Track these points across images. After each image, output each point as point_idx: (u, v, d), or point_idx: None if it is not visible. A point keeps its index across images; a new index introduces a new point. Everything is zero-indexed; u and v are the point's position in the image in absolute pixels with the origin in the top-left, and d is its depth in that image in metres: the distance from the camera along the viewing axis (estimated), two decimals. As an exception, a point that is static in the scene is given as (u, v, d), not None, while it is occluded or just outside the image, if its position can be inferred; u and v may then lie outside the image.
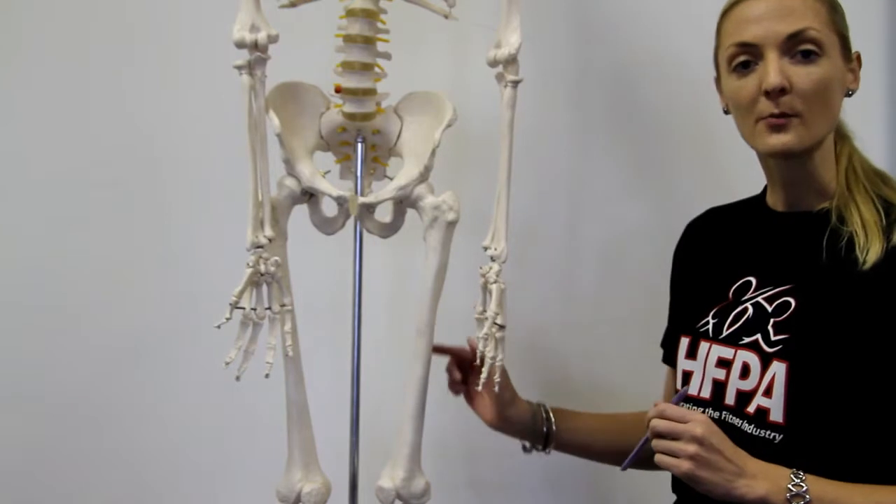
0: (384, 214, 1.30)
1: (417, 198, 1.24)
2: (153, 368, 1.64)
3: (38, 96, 1.64)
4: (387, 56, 1.26)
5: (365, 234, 1.31)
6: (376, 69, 1.25)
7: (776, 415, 0.97)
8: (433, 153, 1.23)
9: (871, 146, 1.54)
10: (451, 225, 1.23)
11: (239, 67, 1.16)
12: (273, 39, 1.16)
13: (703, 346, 1.07)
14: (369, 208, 1.26)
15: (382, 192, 1.25)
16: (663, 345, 1.29)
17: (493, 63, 1.21)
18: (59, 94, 1.64)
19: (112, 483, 1.64)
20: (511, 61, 1.19)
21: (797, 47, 0.98)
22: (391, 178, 1.29)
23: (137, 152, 1.63)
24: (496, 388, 1.21)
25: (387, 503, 1.25)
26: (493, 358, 1.21)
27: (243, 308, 1.17)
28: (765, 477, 0.93)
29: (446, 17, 1.28)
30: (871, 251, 0.94)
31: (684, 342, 1.12)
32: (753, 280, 1.05)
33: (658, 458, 0.98)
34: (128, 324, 1.63)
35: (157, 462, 1.64)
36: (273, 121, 1.19)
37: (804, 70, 0.97)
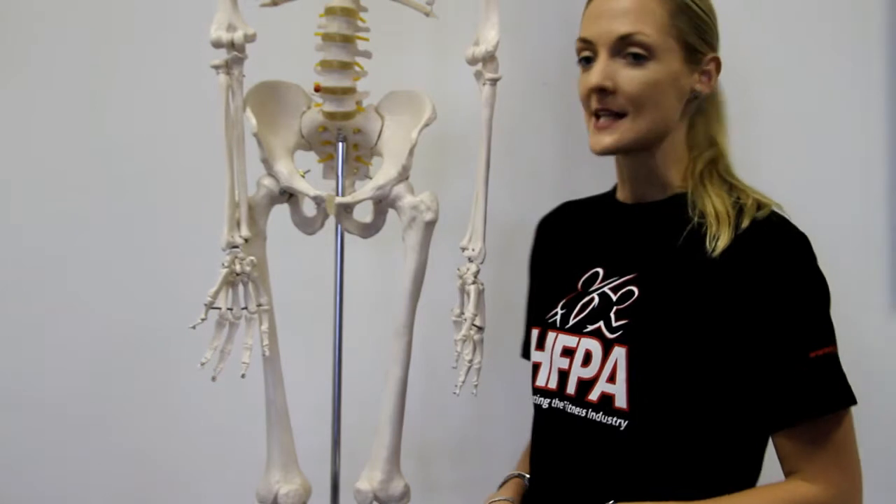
0: (365, 214, 1.29)
1: (396, 198, 1.23)
2: (143, 367, 1.65)
3: (18, 99, 1.66)
4: (367, 55, 1.25)
5: (347, 234, 1.31)
6: (356, 68, 1.24)
7: (620, 401, 0.98)
8: (411, 153, 1.21)
9: (872, 146, 1.53)
10: (430, 225, 1.22)
11: (216, 67, 1.16)
12: (250, 39, 1.16)
13: (551, 336, 1.08)
14: (347, 208, 1.26)
15: (360, 192, 1.24)
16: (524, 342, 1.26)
17: (472, 61, 1.20)
18: (38, 98, 1.66)
19: (94, 484, 1.66)
20: (489, 59, 1.18)
21: (627, 49, 1.00)
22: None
23: (118, 154, 1.64)
24: (475, 393, 1.20)
25: (365, 505, 1.24)
26: (471, 361, 1.19)
27: (219, 308, 1.17)
28: None
29: (427, 14, 1.27)
30: (720, 239, 0.95)
31: (534, 334, 1.12)
32: (601, 271, 1.07)
33: None
34: (114, 323, 1.65)
35: (137, 462, 1.65)
36: (250, 120, 1.19)
37: (631, 73, 1.00)
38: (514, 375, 1.59)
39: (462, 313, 1.21)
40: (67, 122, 1.65)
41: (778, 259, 0.95)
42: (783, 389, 0.93)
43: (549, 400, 1.05)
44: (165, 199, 1.64)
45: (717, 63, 1.05)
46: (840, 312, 1.59)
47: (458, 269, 1.21)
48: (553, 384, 1.05)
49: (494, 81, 1.19)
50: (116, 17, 1.64)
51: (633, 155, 1.06)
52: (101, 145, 1.65)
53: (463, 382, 1.20)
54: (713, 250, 0.95)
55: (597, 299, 1.03)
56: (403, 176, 1.23)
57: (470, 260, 1.20)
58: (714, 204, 0.99)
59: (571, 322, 1.04)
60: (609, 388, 0.98)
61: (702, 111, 1.08)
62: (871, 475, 1.51)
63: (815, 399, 0.93)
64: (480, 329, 1.20)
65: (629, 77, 0.99)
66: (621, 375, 0.97)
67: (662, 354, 0.96)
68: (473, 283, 1.19)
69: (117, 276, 1.65)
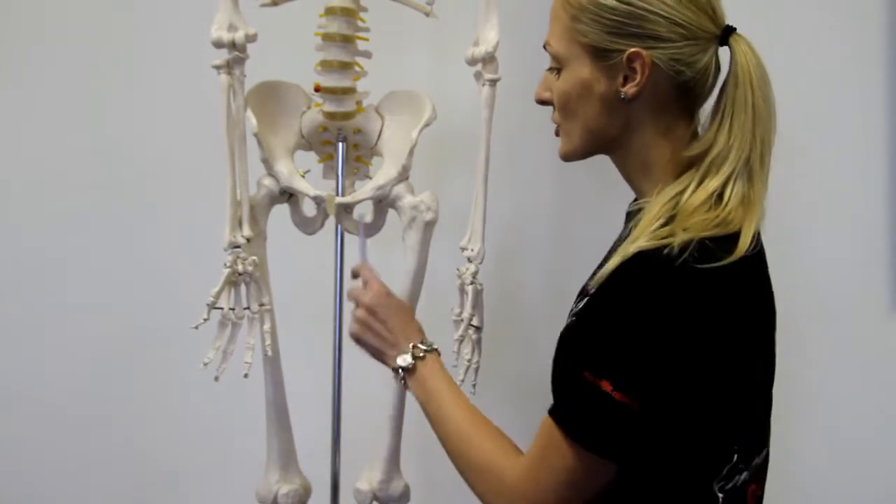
0: (365, 214, 1.29)
1: (396, 198, 1.23)
2: (143, 367, 1.65)
3: (18, 99, 1.66)
4: (367, 55, 1.25)
5: (347, 234, 1.31)
6: (356, 68, 1.24)
7: None
8: (411, 153, 1.22)
9: (872, 146, 1.53)
10: (430, 225, 1.22)
11: (217, 67, 1.16)
12: (251, 39, 1.16)
13: None
14: (347, 208, 1.26)
15: (360, 192, 1.24)
16: None
17: (472, 61, 1.20)
18: (38, 98, 1.66)
19: (94, 484, 1.66)
20: (489, 59, 1.18)
21: (552, 61, 0.96)
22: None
23: (118, 154, 1.65)
24: (473, 392, 1.20)
25: (364, 505, 1.25)
26: (470, 360, 1.19)
27: (221, 308, 1.17)
28: (404, 352, 1.02)
29: (427, 14, 1.27)
30: (607, 266, 0.84)
31: None
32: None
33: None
34: (114, 323, 1.65)
35: (137, 462, 1.65)
36: (251, 120, 1.19)
37: (554, 84, 0.95)
38: (515, 374, 1.60)
39: (461, 313, 1.21)
40: (67, 122, 1.65)
41: (611, 291, 0.84)
42: (556, 379, 0.88)
43: None
44: (166, 199, 1.64)
45: (642, 59, 0.88)
46: (840, 312, 1.60)
47: (458, 269, 1.21)
48: None
49: (494, 82, 1.19)
50: (116, 17, 1.64)
51: (610, 158, 0.99)
52: (101, 145, 1.65)
53: (462, 382, 1.20)
54: (594, 279, 0.86)
55: (581, 303, 0.95)
56: (403, 176, 1.23)
57: (469, 260, 1.20)
58: (636, 228, 0.87)
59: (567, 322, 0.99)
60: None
61: (664, 112, 0.92)
62: (873, 472, 1.53)
63: (558, 404, 0.86)
64: (478, 329, 1.21)
65: (554, 89, 0.95)
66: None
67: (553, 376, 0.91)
68: (472, 283, 1.19)
69: (117, 276, 1.65)
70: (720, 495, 0.90)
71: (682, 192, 0.88)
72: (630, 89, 0.89)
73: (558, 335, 0.94)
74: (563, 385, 0.86)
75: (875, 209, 1.53)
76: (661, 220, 0.85)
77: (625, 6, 0.88)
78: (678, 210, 0.86)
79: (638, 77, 0.89)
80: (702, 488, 0.89)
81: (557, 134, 0.98)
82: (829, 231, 1.54)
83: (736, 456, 0.90)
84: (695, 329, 0.81)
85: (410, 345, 1.01)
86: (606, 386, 0.81)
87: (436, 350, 1.02)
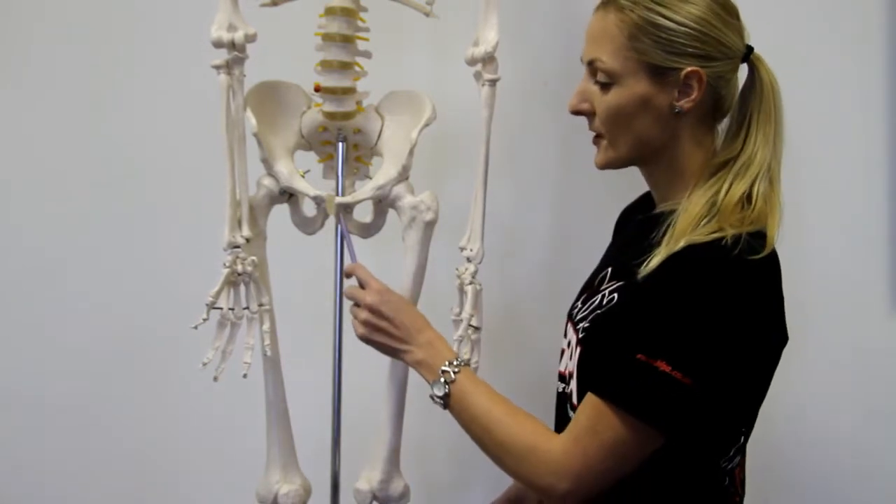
0: (365, 215, 1.29)
1: (396, 197, 1.23)
2: (143, 367, 1.65)
3: (18, 99, 1.66)
4: (367, 55, 1.25)
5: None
6: (356, 68, 1.24)
7: (575, 398, 1.01)
8: (411, 153, 1.21)
9: (872, 146, 1.53)
10: (430, 225, 1.22)
11: (217, 67, 1.16)
12: (251, 38, 1.16)
13: (568, 326, 1.10)
14: (347, 208, 1.26)
15: (360, 192, 1.24)
16: None
17: (472, 61, 1.20)
18: (38, 98, 1.66)
19: (94, 484, 1.66)
20: (489, 59, 1.18)
21: (595, 74, 1.00)
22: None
23: (119, 154, 1.65)
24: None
25: (364, 505, 1.25)
26: (469, 361, 1.19)
27: (221, 308, 1.17)
28: (428, 349, 1.05)
29: (427, 14, 1.27)
30: (650, 263, 0.92)
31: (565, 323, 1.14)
32: (609, 271, 1.07)
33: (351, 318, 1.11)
34: (114, 323, 1.65)
35: (137, 462, 1.66)
36: (250, 120, 1.19)
37: (601, 97, 1.00)
38: (514, 375, 1.60)
39: (460, 313, 1.21)
40: (67, 123, 1.65)
41: (667, 281, 0.91)
42: (603, 364, 0.94)
43: (563, 385, 1.07)
44: (165, 200, 1.64)
45: (699, 76, 0.96)
46: (840, 312, 1.60)
47: (457, 269, 1.21)
48: (565, 371, 1.08)
49: (494, 82, 1.19)
50: (116, 17, 1.64)
51: (639, 167, 1.05)
52: (102, 146, 1.65)
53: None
54: (640, 273, 0.93)
55: (598, 299, 1.03)
56: (403, 176, 1.23)
57: (468, 260, 1.20)
58: (677, 226, 0.94)
59: (577, 317, 1.06)
60: (572, 385, 1.02)
61: (701, 124, 1.01)
62: (873, 472, 1.53)
63: (611, 384, 0.91)
64: (477, 329, 1.21)
65: (599, 101, 1.00)
66: (575, 375, 1.01)
67: (590, 365, 0.99)
68: (471, 283, 1.19)
69: (117, 277, 1.65)
70: (726, 477, 0.99)
71: (716, 194, 0.96)
72: (686, 104, 0.98)
73: (584, 328, 1.02)
74: (614, 366, 0.91)
75: (875, 209, 1.53)
76: (706, 218, 0.94)
77: (684, 28, 0.95)
78: (718, 209, 0.94)
79: (694, 93, 0.97)
80: (712, 466, 0.97)
81: (595, 142, 1.03)
82: (830, 231, 1.54)
83: (742, 438, 0.99)
84: (747, 314, 0.89)
85: (440, 369, 1.02)
86: (663, 365, 0.87)
87: (464, 364, 1.03)
